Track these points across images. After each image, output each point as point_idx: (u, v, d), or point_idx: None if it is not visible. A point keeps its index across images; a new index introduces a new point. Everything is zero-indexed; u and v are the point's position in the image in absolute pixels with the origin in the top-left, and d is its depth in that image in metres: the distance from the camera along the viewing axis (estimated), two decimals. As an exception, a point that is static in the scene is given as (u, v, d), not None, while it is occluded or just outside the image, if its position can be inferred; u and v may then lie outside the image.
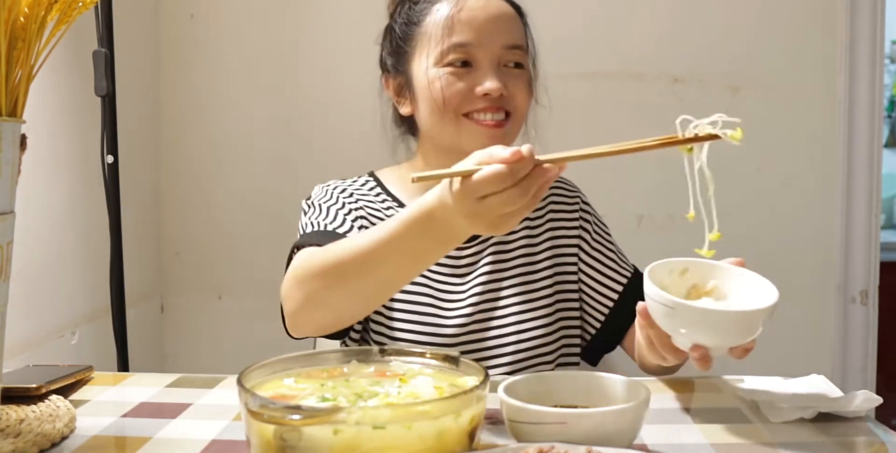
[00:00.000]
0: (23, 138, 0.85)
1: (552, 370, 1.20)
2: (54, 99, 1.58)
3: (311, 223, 1.20)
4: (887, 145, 3.42)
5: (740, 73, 2.06)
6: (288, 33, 2.08)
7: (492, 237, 1.25)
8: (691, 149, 0.90)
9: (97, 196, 1.65)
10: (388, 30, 1.27)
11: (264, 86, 2.08)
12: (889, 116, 3.52)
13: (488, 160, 0.82)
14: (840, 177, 2.07)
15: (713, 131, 0.89)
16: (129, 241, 1.70)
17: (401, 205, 1.24)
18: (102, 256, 1.64)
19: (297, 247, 1.13)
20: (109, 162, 1.62)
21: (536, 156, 0.83)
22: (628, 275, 1.26)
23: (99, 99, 1.60)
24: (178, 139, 2.10)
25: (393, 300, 1.21)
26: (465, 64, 1.16)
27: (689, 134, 0.89)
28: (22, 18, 0.82)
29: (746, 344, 0.87)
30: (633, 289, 1.23)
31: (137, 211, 1.96)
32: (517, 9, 1.24)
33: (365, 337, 1.23)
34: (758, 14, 2.05)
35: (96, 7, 1.56)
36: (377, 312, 1.21)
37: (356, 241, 0.95)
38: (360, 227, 1.20)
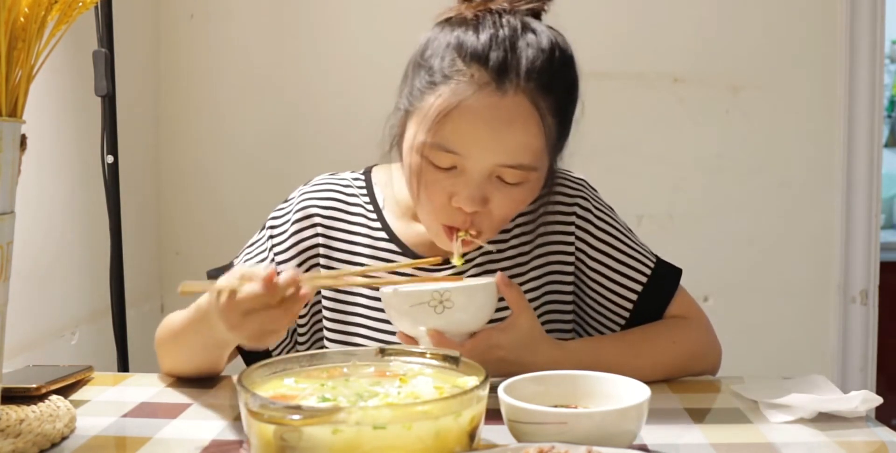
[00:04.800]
0: (23, 138, 0.85)
1: None
2: (54, 99, 1.58)
3: (242, 257, 1.17)
4: (887, 145, 3.42)
5: (740, 73, 2.06)
6: (288, 33, 2.08)
7: (474, 258, 1.13)
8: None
9: (97, 196, 1.65)
10: (410, 73, 1.06)
11: (264, 85, 2.08)
12: (889, 116, 3.52)
13: (250, 277, 0.86)
14: (840, 177, 2.07)
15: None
16: (129, 241, 1.70)
17: (376, 207, 1.17)
18: (102, 256, 1.64)
19: (209, 278, 1.13)
20: (109, 162, 1.62)
21: (300, 277, 0.87)
22: (643, 280, 1.12)
23: (99, 99, 1.60)
24: (177, 139, 2.11)
25: (352, 324, 1.14)
26: (449, 166, 1.00)
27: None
28: (22, 18, 0.82)
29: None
30: (653, 288, 1.12)
31: (137, 211, 1.96)
32: (541, 100, 0.97)
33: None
34: (758, 14, 2.05)
35: (96, 7, 1.56)
36: (333, 330, 1.15)
37: (175, 323, 1.07)
38: (308, 260, 1.15)
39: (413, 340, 0.99)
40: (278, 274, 0.85)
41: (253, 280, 0.85)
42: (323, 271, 1.15)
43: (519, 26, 0.99)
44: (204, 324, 0.96)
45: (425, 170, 1.01)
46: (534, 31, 1.00)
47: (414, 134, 1.01)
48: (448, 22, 1.03)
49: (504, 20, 1.00)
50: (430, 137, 0.98)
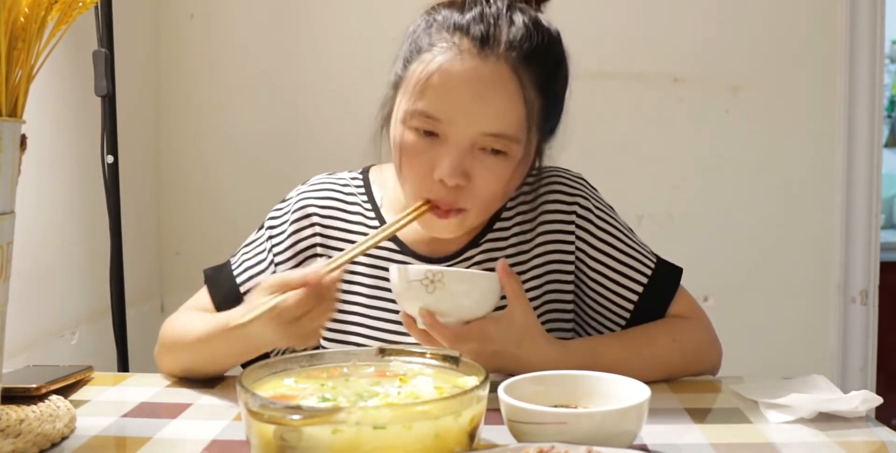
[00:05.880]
0: (23, 138, 0.85)
1: None
2: (54, 99, 1.58)
3: (240, 256, 1.18)
4: (887, 145, 3.42)
5: (740, 73, 2.06)
6: (287, 33, 2.08)
7: (473, 256, 1.13)
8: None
9: (97, 196, 1.65)
10: (398, 51, 1.08)
11: (264, 86, 2.09)
12: (889, 116, 3.52)
13: (283, 286, 0.90)
14: (840, 177, 2.07)
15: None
16: (129, 241, 1.70)
17: (374, 206, 1.17)
18: (102, 256, 1.64)
19: (206, 277, 1.15)
20: (109, 162, 1.62)
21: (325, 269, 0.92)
22: (644, 280, 1.11)
23: (99, 99, 1.60)
24: (177, 139, 2.11)
25: (349, 323, 1.14)
26: (431, 133, 1.00)
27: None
28: (22, 18, 0.82)
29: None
30: (654, 288, 1.12)
31: (137, 211, 1.96)
32: (523, 71, 0.99)
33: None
34: (758, 14, 2.05)
35: (96, 7, 1.56)
36: (330, 330, 1.15)
37: (194, 331, 1.06)
38: (306, 260, 1.15)
39: (412, 320, 0.98)
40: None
41: (285, 288, 0.90)
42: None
43: (504, 6, 1.03)
44: (238, 337, 0.98)
45: (407, 140, 1.02)
46: (520, 10, 1.04)
47: (399, 105, 1.03)
48: (437, 7, 1.07)
49: (491, 1, 1.03)
50: (412, 104, 1.00)
